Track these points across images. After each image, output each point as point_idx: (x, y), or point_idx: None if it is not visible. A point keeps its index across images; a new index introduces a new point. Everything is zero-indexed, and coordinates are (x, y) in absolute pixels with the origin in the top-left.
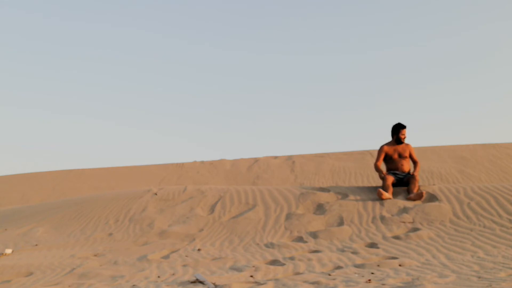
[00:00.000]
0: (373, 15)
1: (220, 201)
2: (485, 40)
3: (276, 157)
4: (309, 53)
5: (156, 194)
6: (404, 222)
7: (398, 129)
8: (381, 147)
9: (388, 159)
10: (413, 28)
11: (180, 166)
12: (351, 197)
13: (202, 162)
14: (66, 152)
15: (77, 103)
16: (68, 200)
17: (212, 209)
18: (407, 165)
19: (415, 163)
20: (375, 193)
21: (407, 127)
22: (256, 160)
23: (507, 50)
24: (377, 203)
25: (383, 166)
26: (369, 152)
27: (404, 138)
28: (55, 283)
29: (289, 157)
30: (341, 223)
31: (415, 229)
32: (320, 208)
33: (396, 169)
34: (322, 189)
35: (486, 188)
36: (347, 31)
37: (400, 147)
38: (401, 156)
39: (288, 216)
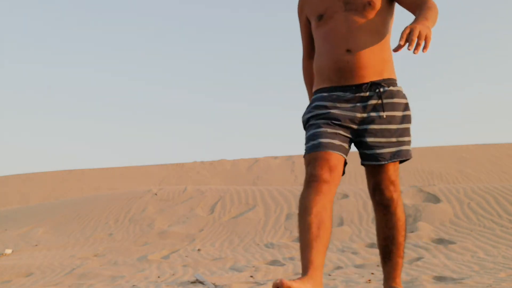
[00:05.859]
0: None
1: (220, 201)
2: (485, 40)
3: (276, 157)
4: None
5: (156, 194)
6: None
7: None
8: None
9: (315, 31)
10: None
11: (180, 166)
12: (351, 197)
13: (202, 162)
14: (66, 152)
15: (77, 103)
16: (68, 200)
17: (212, 209)
18: (378, 47)
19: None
20: None
21: None
22: (256, 160)
23: (507, 50)
24: None
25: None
26: None
27: None
28: (55, 284)
29: (289, 157)
30: (341, 223)
31: (415, 229)
32: None
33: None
34: None
35: (486, 188)
36: None
37: None
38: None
39: (288, 216)
